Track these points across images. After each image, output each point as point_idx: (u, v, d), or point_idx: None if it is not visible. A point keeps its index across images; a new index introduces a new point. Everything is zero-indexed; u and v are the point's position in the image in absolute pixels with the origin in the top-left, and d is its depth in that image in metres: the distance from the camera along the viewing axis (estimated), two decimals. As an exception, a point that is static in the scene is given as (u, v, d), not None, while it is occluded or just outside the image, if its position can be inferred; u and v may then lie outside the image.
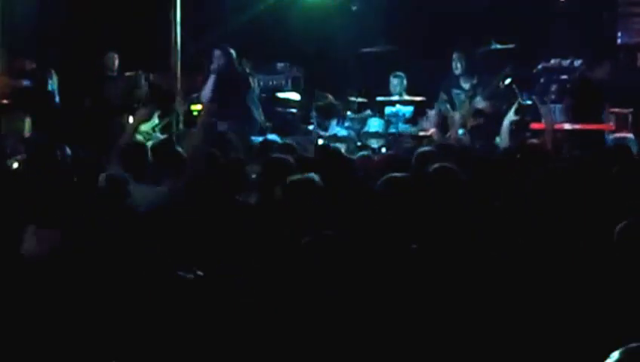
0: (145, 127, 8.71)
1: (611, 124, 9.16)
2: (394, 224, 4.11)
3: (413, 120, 10.45)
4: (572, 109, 9.34)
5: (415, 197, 4.27)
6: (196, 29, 10.82)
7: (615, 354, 2.23)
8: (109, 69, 10.00)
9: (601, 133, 9.18)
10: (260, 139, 7.70)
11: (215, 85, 9.14)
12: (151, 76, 9.84)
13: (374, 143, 10.40)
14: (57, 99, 9.60)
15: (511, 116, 7.41)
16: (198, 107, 10.47)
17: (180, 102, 9.68)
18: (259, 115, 9.57)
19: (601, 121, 9.25)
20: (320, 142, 9.97)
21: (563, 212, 4.22)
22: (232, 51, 9.36)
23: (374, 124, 10.59)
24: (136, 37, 10.68)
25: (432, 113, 8.44)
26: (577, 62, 10.19)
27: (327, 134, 10.51)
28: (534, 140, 7.55)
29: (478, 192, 4.76)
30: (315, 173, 4.44)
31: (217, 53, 9.31)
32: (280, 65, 11.44)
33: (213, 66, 9.28)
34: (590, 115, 9.18)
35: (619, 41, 10.74)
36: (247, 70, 9.89)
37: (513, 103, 10.14)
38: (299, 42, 11.56)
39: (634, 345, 2.24)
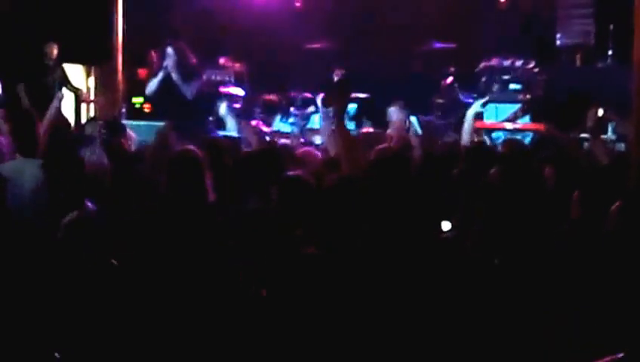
0: None
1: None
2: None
3: (356, 117, 10.44)
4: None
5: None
6: (139, 22, 10.66)
7: None
8: (48, 57, 9.77)
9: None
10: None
11: (163, 81, 8.91)
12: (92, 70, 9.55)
13: (318, 140, 10.36)
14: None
15: (477, 107, 6.97)
16: (140, 100, 10.32)
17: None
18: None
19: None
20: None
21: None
22: (185, 49, 9.08)
23: (318, 120, 10.55)
24: (77, 28, 10.45)
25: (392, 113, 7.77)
26: (519, 63, 10.34)
27: (271, 130, 10.45)
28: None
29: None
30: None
31: (170, 50, 8.99)
32: (223, 59, 11.32)
33: (166, 63, 8.97)
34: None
35: (558, 42, 10.90)
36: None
37: (456, 101, 10.27)
38: (243, 37, 11.48)
39: None
